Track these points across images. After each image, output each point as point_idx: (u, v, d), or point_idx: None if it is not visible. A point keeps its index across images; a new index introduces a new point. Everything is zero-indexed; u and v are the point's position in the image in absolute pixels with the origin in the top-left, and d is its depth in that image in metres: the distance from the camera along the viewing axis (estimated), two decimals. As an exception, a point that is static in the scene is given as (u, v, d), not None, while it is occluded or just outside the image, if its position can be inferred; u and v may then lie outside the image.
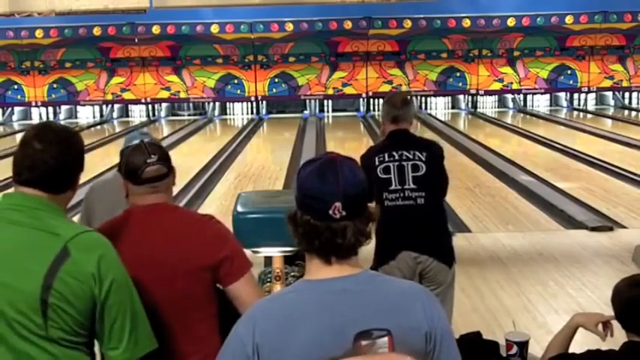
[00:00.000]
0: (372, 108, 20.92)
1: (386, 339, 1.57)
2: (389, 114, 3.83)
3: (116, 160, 4.01)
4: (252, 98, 20.84)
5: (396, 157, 3.73)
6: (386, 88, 20.68)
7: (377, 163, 3.74)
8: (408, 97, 4.08)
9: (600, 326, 2.47)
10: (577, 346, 2.50)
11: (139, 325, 1.98)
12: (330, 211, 1.62)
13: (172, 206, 2.46)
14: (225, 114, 21.51)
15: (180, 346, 2.28)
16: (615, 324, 2.45)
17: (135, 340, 1.95)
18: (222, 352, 1.68)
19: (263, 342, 1.61)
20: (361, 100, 21.01)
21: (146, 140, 2.44)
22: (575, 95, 21.84)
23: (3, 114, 21.17)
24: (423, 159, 3.73)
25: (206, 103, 21.28)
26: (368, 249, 1.87)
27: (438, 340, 1.65)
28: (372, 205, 1.74)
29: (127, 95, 20.76)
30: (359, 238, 1.66)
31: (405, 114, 3.83)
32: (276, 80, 20.68)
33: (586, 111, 21.28)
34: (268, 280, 3.24)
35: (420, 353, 1.64)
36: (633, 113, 20.42)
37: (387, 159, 3.74)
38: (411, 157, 3.73)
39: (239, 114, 21.48)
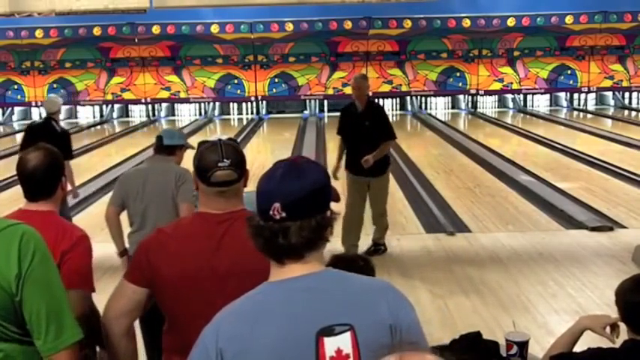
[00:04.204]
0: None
1: (348, 334, 1.58)
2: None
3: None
4: (252, 98, 20.85)
5: None
6: (386, 88, 20.70)
7: None
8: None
9: (608, 329, 2.46)
10: (576, 345, 2.50)
11: (61, 317, 2.02)
12: (271, 212, 1.63)
13: (247, 214, 2.33)
14: (225, 114, 21.52)
15: None
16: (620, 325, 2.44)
17: (56, 331, 2.00)
18: (189, 357, 1.68)
19: (226, 346, 1.61)
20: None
21: (224, 139, 2.35)
22: (575, 95, 21.85)
23: (3, 114, 21.18)
24: None
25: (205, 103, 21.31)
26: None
27: (405, 334, 1.65)
28: (335, 208, 1.71)
29: (127, 95, 20.77)
30: (303, 241, 1.63)
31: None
32: (276, 80, 20.69)
33: (586, 111, 21.28)
34: None
35: (387, 346, 1.63)
36: (633, 113, 20.42)
37: None
38: None
39: (239, 114, 21.49)
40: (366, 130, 6.51)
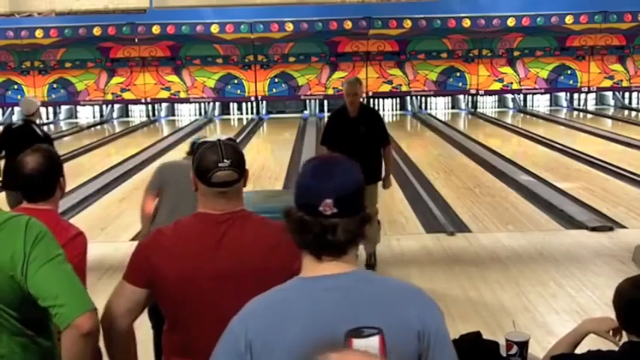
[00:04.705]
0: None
1: (377, 337, 1.56)
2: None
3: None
4: (252, 98, 20.85)
5: None
6: (386, 88, 20.69)
7: None
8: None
9: (611, 332, 2.45)
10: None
11: (73, 284, 2.03)
12: (321, 207, 1.63)
13: (246, 214, 2.34)
14: (225, 114, 21.52)
15: None
16: None
17: (70, 296, 2.00)
18: (217, 347, 1.69)
19: (255, 338, 1.61)
20: (361, 100, 20.96)
21: (224, 139, 2.33)
22: (575, 95, 21.86)
23: (3, 114, 21.17)
24: None
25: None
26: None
27: (432, 340, 1.64)
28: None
29: (127, 95, 20.77)
30: (350, 237, 1.66)
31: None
32: (276, 80, 20.69)
33: (586, 111, 21.29)
34: None
35: (414, 352, 1.63)
36: (633, 113, 20.42)
37: None
38: None
39: (239, 114, 21.49)
40: (361, 137, 6.22)
